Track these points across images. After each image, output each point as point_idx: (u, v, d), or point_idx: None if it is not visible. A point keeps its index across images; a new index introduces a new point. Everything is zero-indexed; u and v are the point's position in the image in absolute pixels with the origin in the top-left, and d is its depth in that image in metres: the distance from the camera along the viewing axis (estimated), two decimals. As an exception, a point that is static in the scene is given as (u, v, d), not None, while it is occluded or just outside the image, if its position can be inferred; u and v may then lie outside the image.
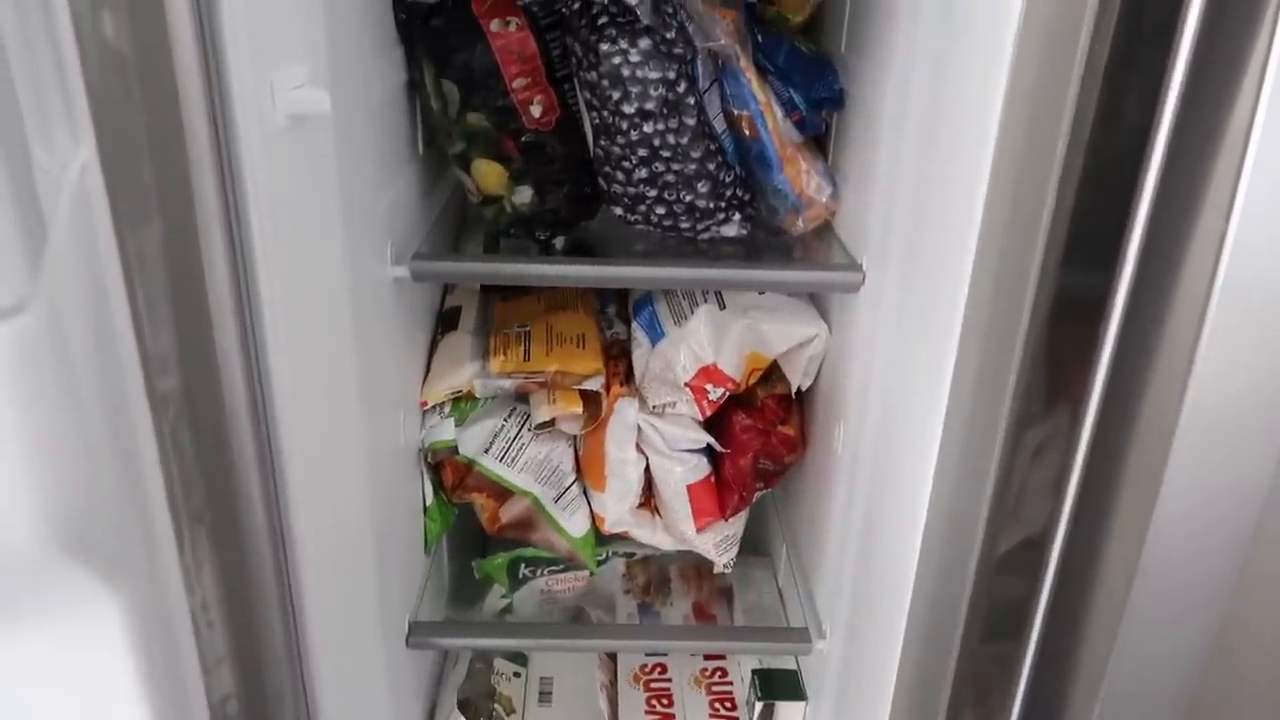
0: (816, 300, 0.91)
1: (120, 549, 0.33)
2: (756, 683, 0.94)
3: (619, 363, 0.92)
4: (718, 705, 0.97)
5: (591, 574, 1.00)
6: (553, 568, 1.02)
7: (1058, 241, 0.54)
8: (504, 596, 1.00)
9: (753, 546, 1.08)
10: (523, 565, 1.01)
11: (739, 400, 0.91)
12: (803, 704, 0.93)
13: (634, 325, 0.93)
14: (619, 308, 1.01)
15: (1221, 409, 0.49)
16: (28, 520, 0.28)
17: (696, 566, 1.04)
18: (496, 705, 0.98)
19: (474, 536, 1.05)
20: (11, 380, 0.27)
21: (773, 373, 0.91)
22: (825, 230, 0.86)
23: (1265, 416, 0.49)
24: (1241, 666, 0.57)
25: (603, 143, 0.78)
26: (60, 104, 0.34)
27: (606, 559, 1.05)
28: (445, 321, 0.95)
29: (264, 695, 0.49)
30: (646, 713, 0.96)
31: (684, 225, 0.82)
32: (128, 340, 0.36)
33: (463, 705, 0.95)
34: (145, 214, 0.37)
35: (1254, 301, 0.46)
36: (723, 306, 0.88)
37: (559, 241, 0.81)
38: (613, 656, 1.05)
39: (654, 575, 1.04)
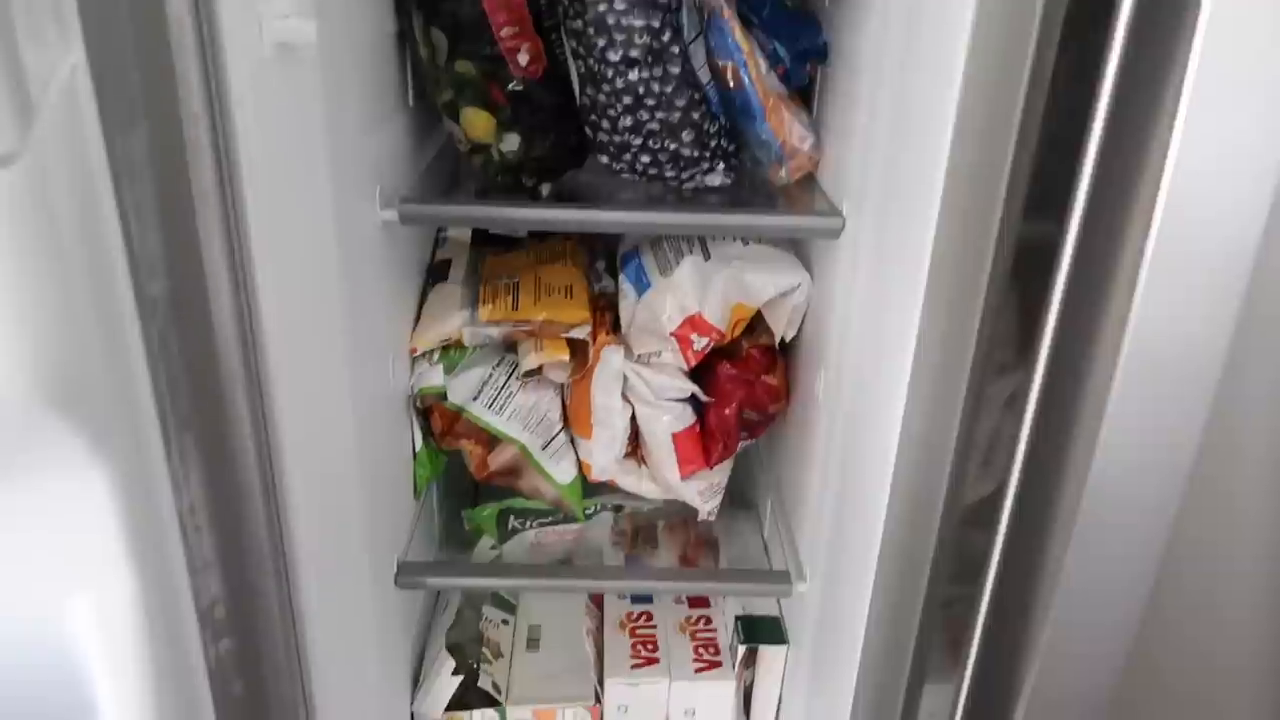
0: (799, 252, 0.92)
1: (107, 424, 0.35)
2: (740, 628, 0.96)
3: (606, 314, 0.94)
4: (701, 650, 0.99)
5: (579, 521, 1.02)
6: (542, 519, 1.04)
7: (1019, 190, 0.56)
8: (493, 548, 1.02)
9: (739, 500, 1.10)
10: (512, 517, 1.03)
11: (724, 351, 0.92)
12: (784, 648, 0.95)
13: (621, 277, 0.95)
14: (607, 263, 1.02)
15: (1159, 350, 0.51)
16: (13, 374, 0.30)
17: (684, 520, 1.06)
18: (484, 649, 1.00)
19: (465, 493, 1.07)
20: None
21: (757, 324, 0.93)
22: (808, 182, 0.87)
23: (1199, 359, 0.51)
24: (1175, 597, 0.59)
25: (589, 91, 0.79)
26: (49, 9, 0.35)
27: (595, 512, 1.07)
28: (435, 273, 0.96)
29: (253, 602, 0.51)
30: (632, 657, 0.98)
31: (669, 174, 0.83)
32: (115, 236, 0.37)
33: (452, 649, 0.97)
34: (132, 118, 0.38)
35: (1190, 247, 0.48)
36: (708, 257, 0.89)
37: (545, 188, 0.82)
38: (599, 604, 1.07)
39: (642, 528, 1.06)
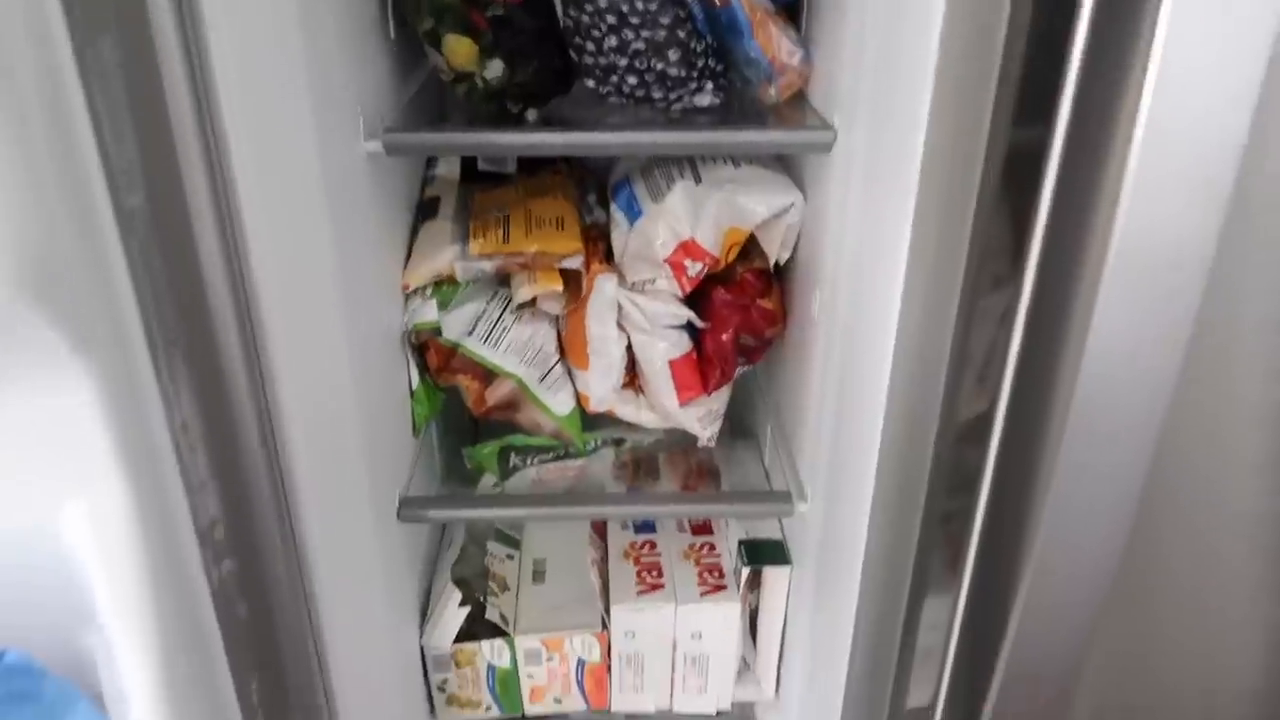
0: (791, 172, 0.91)
1: (91, 330, 0.35)
2: (743, 551, 0.97)
3: (599, 244, 0.93)
4: (706, 575, 1.00)
5: (580, 453, 1.02)
6: (542, 456, 1.05)
7: (1006, 98, 0.55)
8: (495, 486, 1.02)
9: (738, 429, 1.11)
10: (512, 453, 1.04)
11: (718, 277, 0.92)
12: (788, 568, 0.96)
13: (612, 207, 0.94)
14: (598, 196, 1.01)
15: (1145, 255, 0.50)
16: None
17: (684, 451, 1.07)
18: (491, 583, 1.01)
19: (464, 433, 1.07)
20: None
21: (751, 248, 0.92)
22: (798, 100, 0.86)
23: (1186, 265, 0.51)
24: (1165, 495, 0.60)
25: (571, 12, 0.78)
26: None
27: (595, 448, 1.07)
28: (425, 211, 0.95)
29: (252, 524, 0.51)
30: (637, 584, 0.99)
31: (656, 95, 0.82)
32: (90, 147, 0.37)
33: (458, 583, 0.98)
34: (102, 27, 0.38)
35: (1176, 150, 0.47)
36: (699, 181, 0.88)
37: (532, 114, 0.81)
38: (603, 536, 1.08)
39: (643, 461, 1.07)
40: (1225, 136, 0.47)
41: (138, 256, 0.41)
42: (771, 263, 0.92)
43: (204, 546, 0.48)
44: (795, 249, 0.92)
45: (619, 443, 1.08)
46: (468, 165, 1.02)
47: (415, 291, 0.89)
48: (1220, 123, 0.46)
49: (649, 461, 1.07)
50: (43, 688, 0.36)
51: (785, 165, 0.93)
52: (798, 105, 0.85)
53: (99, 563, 0.36)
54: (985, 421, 0.61)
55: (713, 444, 1.00)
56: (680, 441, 1.05)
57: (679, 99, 0.83)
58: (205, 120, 0.43)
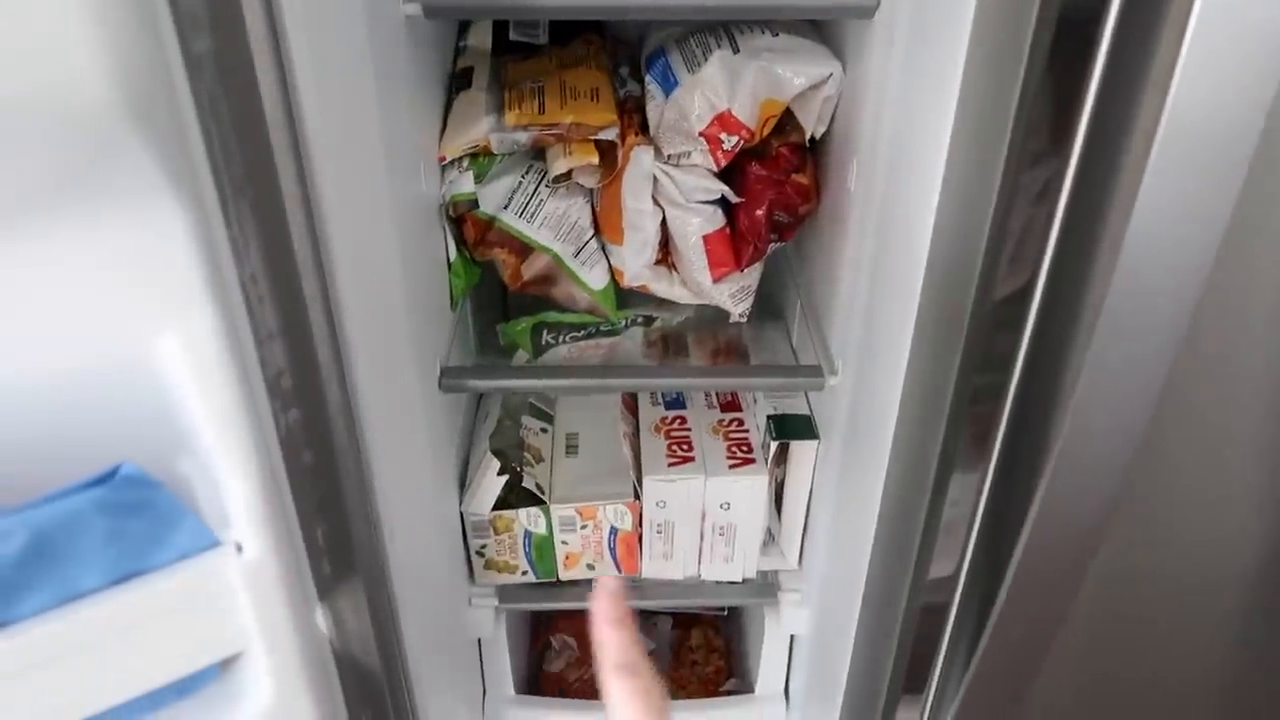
0: (830, 42, 0.90)
1: (176, 161, 0.36)
2: (771, 426, 0.99)
3: (634, 116, 0.92)
4: (735, 449, 1.03)
5: (614, 326, 1.03)
6: (574, 334, 1.06)
7: None
8: (528, 362, 1.04)
9: (767, 311, 1.11)
10: (545, 331, 1.05)
11: (753, 152, 0.91)
12: (815, 442, 0.98)
13: (647, 79, 0.93)
14: (631, 69, 1.00)
15: (1197, 128, 0.50)
16: (98, 79, 0.30)
17: (713, 331, 1.08)
18: (526, 454, 1.04)
19: (496, 310, 1.09)
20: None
21: (787, 123, 0.91)
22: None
23: (1232, 150, 0.50)
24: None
25: None
26: None
27: (626, 326, 1.09)
28: (458, 81, 0.95)
29: (315, 376, 0.53)
30: (668, 456, 1.02)
31: (696, -41, 0.80)
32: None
33: (495, 453, 1.01)
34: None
35: (1233, 16, 0.46)
36: (736, 51, 0.87)
37: (569, -22, 0.79)
38: (634, 411, 1.10)
39: (672, 339, 1.08)
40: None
41: (205, 102, 0.41)
42: (807, 136, 0.92)
43: (272, 396, 0.50)
44: (831, 122, 0.91)
45: (649, 321, 1.09)
46: (498, 36, 1.00)
47: (452, 163, 0.89)
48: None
49: (678, 340, 1.08)
50: (156, 498, 0.39)
51: (823, 36, 0.91)
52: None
53: (200, 389, 0.38)
54: (1022, 299, 0.62)
55: (744, 320, 1.01)
56: (710, 319, 1.06)
57: (719, -37, 0.81)
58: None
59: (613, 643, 0.49)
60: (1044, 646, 0.74)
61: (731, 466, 1.01)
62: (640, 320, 1.08)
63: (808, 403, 1.04)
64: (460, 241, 0.93)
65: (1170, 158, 0.50)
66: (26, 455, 0.40)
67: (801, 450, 1.00)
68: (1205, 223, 0.52)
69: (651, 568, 1.08)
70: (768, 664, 1.17)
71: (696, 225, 0.92)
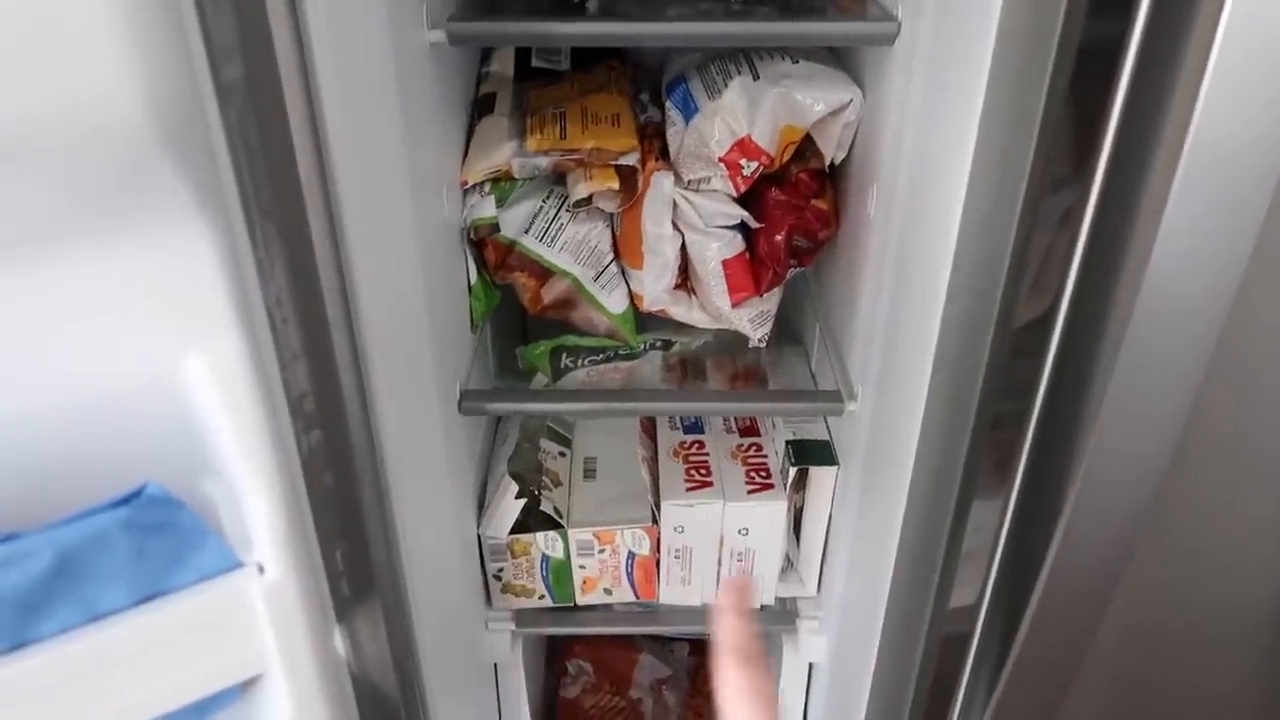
0: (850, 69, 0.90)
1: (204, 187, 0.36)
2: (790, 451, 0.99)
3: (654, 141, 0.93)
4: (753, 475, 1.02)
5: (633, 349, 1.03)
6: (593, 357, 1.06)
7: None
8: (546, 386, 1.05)
9: (786, 335, 1.11)
10: (564, 354, 1.05)
11: (773, 177, 0.92)
12: (834, 468, 0.98)
13: (668, 105, 0.94)
14: (652, 94, 1.01)
15: (1220, 155, 0.49)
16: (133, 102, 0.31)
17: (732, 355, 1.08)
18: (544, 478, 1.04)
19: (516, 334, 1.09)
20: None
21: (806, 148, 0.91)
22: (861, -5, 0.84)
23: (1258, 172, 0.50)
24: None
25: (633, -100, 0.77)
26: None
27: (645, 350, 1.09)
28: (481, 107, 0.96)
29: (338, 399, 0.53)
30: (686, 481, 1.02)
31: (717, -13, 0.81)
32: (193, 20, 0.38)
33: (513, 476, 1.01)
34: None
35: (1257, 42, 0.46)
36: (756, 77, 0.87)
37: (592, 3, 0.80)
38: (652, 436, 1.10)
39: (690, 364, 1.08)
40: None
41: (235, 128, 0.42)
42: (827, 162, 0.92)
43: (295, 418, 0.50)
44: (851, 148, 0.91)
45: (668, 345, 1.09)
46: (521, 62, 1.01)
47: (474, 187, 0.90)
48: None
49: (696, 364, 1.08)
50: (179, 519, 0.39)
51: (843, 63, 0.92)
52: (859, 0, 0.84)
53: (225, 411, 0.39)
54: (1044, 325, 0.62)
55: (764, 345, 1.01)
56: (728, 345, 1.06)
57: (740, -9, 0.82)
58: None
59: (732, 628, 0.52)
60: (1068, 677, 0.73)
61: (750, 492, 1.01)
62: (659, 344, 1.08)
63: (827, 428, 1.04)
64: (481, 265, 0.93)
65: (1195, 182, 0.50)
66: (52, 474, 0.41)
67: (821, 476, 0.99)
68: (1230, 248, 0.52)
69: (669, 593, 1.07)
70: (786, 692, 1.16)
71: (716, 250, 0.92)
